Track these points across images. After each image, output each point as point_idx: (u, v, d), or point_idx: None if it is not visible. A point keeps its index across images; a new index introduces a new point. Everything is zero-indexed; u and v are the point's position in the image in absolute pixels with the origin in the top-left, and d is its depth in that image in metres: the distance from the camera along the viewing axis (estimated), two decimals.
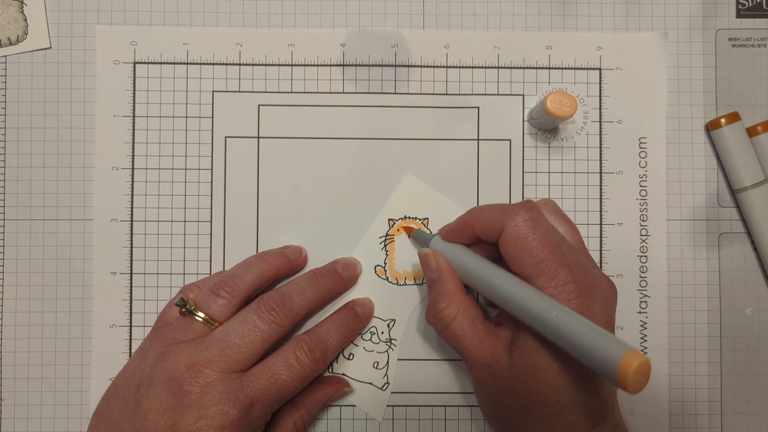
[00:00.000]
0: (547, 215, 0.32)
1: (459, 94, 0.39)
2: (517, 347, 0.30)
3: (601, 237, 0.39)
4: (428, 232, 0.38)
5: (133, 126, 0.38)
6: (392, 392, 0.38)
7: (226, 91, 0.39)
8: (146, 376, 0.31)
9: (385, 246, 0.38)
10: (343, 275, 0.37)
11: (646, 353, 0.38)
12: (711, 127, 0.39)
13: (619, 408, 0.32)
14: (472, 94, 0.39)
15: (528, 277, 0.29)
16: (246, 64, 0.39)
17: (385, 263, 0.38)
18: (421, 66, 0.39)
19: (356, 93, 0.39)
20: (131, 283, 0.38)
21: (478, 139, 0.39)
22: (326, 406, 0.37)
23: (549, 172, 0.39)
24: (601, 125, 0.39)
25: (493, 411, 0.32)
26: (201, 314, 0.33)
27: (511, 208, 0.30)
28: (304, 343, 0.33)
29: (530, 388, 0.29)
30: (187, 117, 0.39)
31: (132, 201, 0.38)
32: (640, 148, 0.39)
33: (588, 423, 0.29)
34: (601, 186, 0.39)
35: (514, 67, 0.39)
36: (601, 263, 0.39)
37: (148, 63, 0.39)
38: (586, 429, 0.29)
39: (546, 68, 0.39)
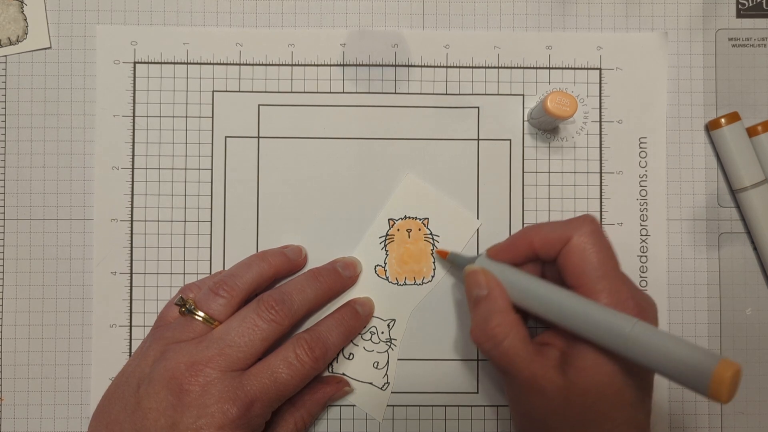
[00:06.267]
0: None
1: (459, 94, 0.39)
2: (574, 366, 0.29)
3: None
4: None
5: (133, 126, 0.38)
6: (392, 392, 0.38)
7: (226, 91, 0.39)
8: (146, 375, 0.31)
9: (385, 246, 0.38)
10: (342, 274, 0.37)
11: None
12: (711, 127, 0.39)
13: None
14: (472, 94, 0.39)
15: (589, 293, 0.29)
16: (246, 64, 0.39)
17: (385, 263, 0.38)
18: (421, 66, 0.39)
19: (356, 93, 0.39)
20: (131, 283, 0.38)
21: (478, 139, 0.39)
22: (327, 406, 0.37)
23: (549, 172, 0.39)
24: (601, 125, 0.39)
25: None
26: (201, 313, 0.33)
27: (576, 221, 0.31)
28: (304, 341, 0.33)
29: (589, 407, 0.29)
30: (187, 117, 0.39)
31: (132, 201, 0.38)
32: (640, 148, 0.39)
33: None
34: (601, 186, 0.39)
35: (514, 67, 0.39)
36: None
37: (148, 63, 0.39)
38: None
39: (546, 68, 0.39)
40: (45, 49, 0.39)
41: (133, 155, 0.38)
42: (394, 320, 0.38)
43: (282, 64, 0.39)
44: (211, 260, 0.38)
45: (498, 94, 0.39)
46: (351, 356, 0.38)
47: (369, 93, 0.39)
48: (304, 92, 0.39)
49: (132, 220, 0.38)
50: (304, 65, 0.39)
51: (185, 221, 0.38)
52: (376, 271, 0.38)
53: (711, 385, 0.24)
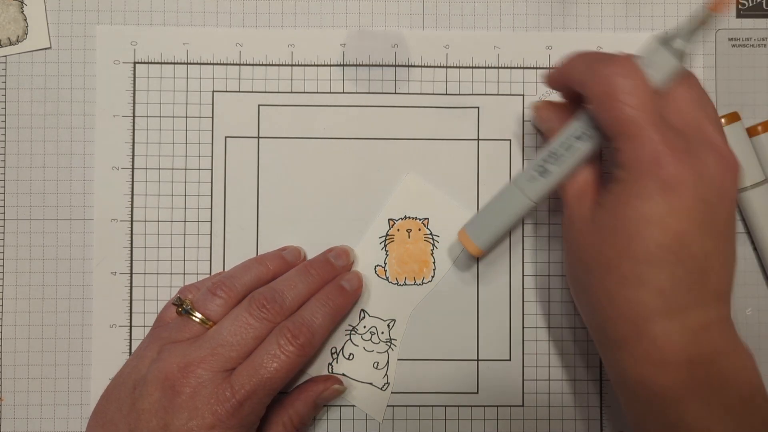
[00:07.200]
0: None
1: (459, 94, 0.39)
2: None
3: None
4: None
5: (133, 126, 0.38)
6: (392, 392, 0.38)
7: (226, 91, 0.39)
8: (142, 376, 0.31)
9: (385, 246, 0.38)
10: (335, 264, 0.36)
11: None
12: None
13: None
14: (472, 94, 0.39)
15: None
16: (246, 64, 0.39)
17: (385, 263, 0.38)
18: (421, 66, 0.39)
19: (356, 93, 0.39)
20: (131, 283, 0.38)
21: (478, 139, 0.39)
22: (318, 405, 0.36)
23: None
24: None
25: None
26: (198, 314, 0.33)
27: (605, 59, 0.28)
28: (287, 329, 0.32)
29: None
30: (187, 117, 0.39)
31: (132, 201, 0.38)
32: None
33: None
34: None
35: (514, 67, 0.39)
36: None
37: (148, 63, 0.39)
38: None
39: (546, 68, 0.39)
40: (45, 49, 0.39)
41: (133, 155, 0.38)
42: (394, 320, 0.38)
43: (282, 64, 0.39)
44: (211, 260, 0.38)
45: (498, 94, 0.39)
46: (351, 356, 0.38)
47: (369, 93, 0.39)
48: (304, 92, 0.39)
49: (132, 220, 0.38)
50: (304, 65, 0.39)
51: (185, 221, 0.38)
52: (376, 271, 0.38)
53: None
